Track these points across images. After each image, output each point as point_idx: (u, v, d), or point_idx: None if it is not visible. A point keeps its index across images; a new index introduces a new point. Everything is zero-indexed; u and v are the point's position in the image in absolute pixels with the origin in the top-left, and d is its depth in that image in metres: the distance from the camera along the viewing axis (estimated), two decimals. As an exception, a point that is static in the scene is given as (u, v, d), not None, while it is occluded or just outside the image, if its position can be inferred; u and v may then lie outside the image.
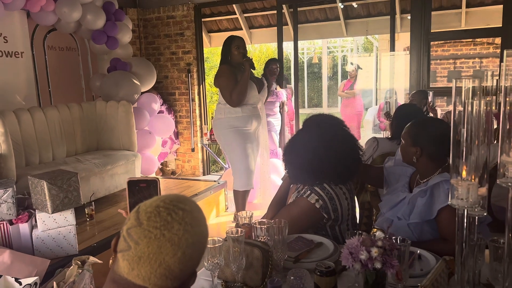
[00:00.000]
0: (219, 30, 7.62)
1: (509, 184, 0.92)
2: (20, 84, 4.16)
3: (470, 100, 0.98)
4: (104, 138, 4.30)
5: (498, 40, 5.60)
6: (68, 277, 2.03)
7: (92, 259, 2.07)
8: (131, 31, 4.68)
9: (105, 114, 4.25)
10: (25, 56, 4.18)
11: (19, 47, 4.11)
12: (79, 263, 2.06)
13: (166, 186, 4.37)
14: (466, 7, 6.43)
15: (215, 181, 4.51)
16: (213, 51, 11.31)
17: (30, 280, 1.92)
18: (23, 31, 4.17)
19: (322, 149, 1.69)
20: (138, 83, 4.55)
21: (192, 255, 0.81)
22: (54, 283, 1.92)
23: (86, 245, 2.80)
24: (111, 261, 0.87)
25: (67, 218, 2.56)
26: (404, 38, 7.37)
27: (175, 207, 0.81)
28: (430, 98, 3.90)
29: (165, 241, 0.78)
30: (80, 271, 2.04)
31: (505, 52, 0.91)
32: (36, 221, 2.55)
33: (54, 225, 2.53)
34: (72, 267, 2.07)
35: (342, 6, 7.07)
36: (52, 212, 2.47)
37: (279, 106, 4.97)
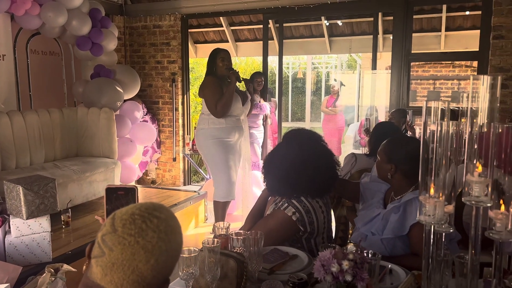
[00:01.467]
0: (206, 42, 7.68)
1: (473, 202, 0.96)
2: (0, 87, 4.10)
3: (439, 121, 1.03)
4: (84, 145, 4.26)
5: (475, 64, 5.81)
6: (40, 285, 1.99)
7: (66, 267, 2.04)
8: (116, 39, 4.68)
9: (86, 120, 4.21)
10: (6, 59, 4.12)
11: (1, 50, 4.06)
12: (52, 270, 2.02)
13: (145, 195, 4.34)
14: (445, 31, 6.66)
15: (195, 191, 4.50)
16: (199, 61, 11.36)
17: (1, 286, 1.89)
18: (6, 34, 4.12)
19: (300, 162, 1.73)
20: (121, 91, 4.54)
21: (165, 262, 0.82)
22: (25, 290, 1.89)
23: (60, 252, 2.75)
24: (84, 267, 0.88)
25: (42, 225, 2.52)
26: (386, 58, 7.55)
27: (150, 215, 0.82)
28: (409, 117, 4.00)
29: (139, 248, 0.79)
30: (53, 279, 2.01)
31: (471, 76, 0.97)
32: (10, 227, 2.50)
33: (28, 231, 2.49)
34: (44, 274, 2.04)
35: (327, 24, 7.23)
36: (27, 218, 2.43)
37: (263, 119, 5.02)
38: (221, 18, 6.80)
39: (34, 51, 4.64)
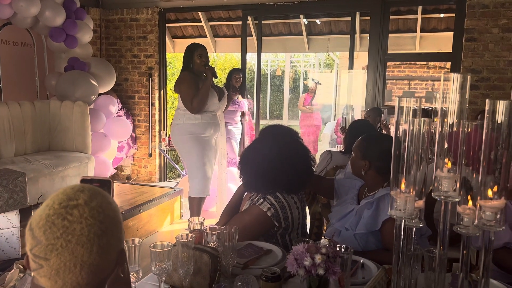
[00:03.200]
0: (184, 36, 7.61)
1: (442, 197, 0.99)
2: (-32, 77, 3.96)
3: (411, 119, 1.05)
4: (56, 139, 4.15)
5: (449, 65, 5.99)
6: (8, 282, 1.94)
7: (35, 263, 1.99)
8: (91, 31, 4.58)
9: (59, 114, 4.11)
10: (-25, 49, 3.99)
11: (-31, 39, 3.92)
12: (21, 267, 1.97)
13: (119, 191, 4.26)
14: (420, 32, 6.81)
15: (171, 187, 4.46)
16: (176, 56, 11.24)
17: (-34, 284, 1.82)
18: (-25, 22, 3.99)
19: (276, 158, 1.73)
20: (96, 84, 4.45)
21: (108, 241, 0.78)
22: (-8, 287, 1.83)
23: (30, 249, 2.68)
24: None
25: (10, 220, 2.45)
26: (363, 57, 7.68)
27: (67, 208, 0.76)
28: (384, 116, 4.07)
29: (74, 245, 0.74)
30: (22, 275, 1.96)
31: (442, 76, 0.99)
32: (-24, 222, 2.42)
33: (-4, 226, 2.42)
34: (13, 271, 1.98)
35: (305, 22, 7.27)
36: (-5, 213, 2.36)
37: (241, 116, 5.01)
38: (199, 13, 6.75)
39: (5, 41, 4.50)
